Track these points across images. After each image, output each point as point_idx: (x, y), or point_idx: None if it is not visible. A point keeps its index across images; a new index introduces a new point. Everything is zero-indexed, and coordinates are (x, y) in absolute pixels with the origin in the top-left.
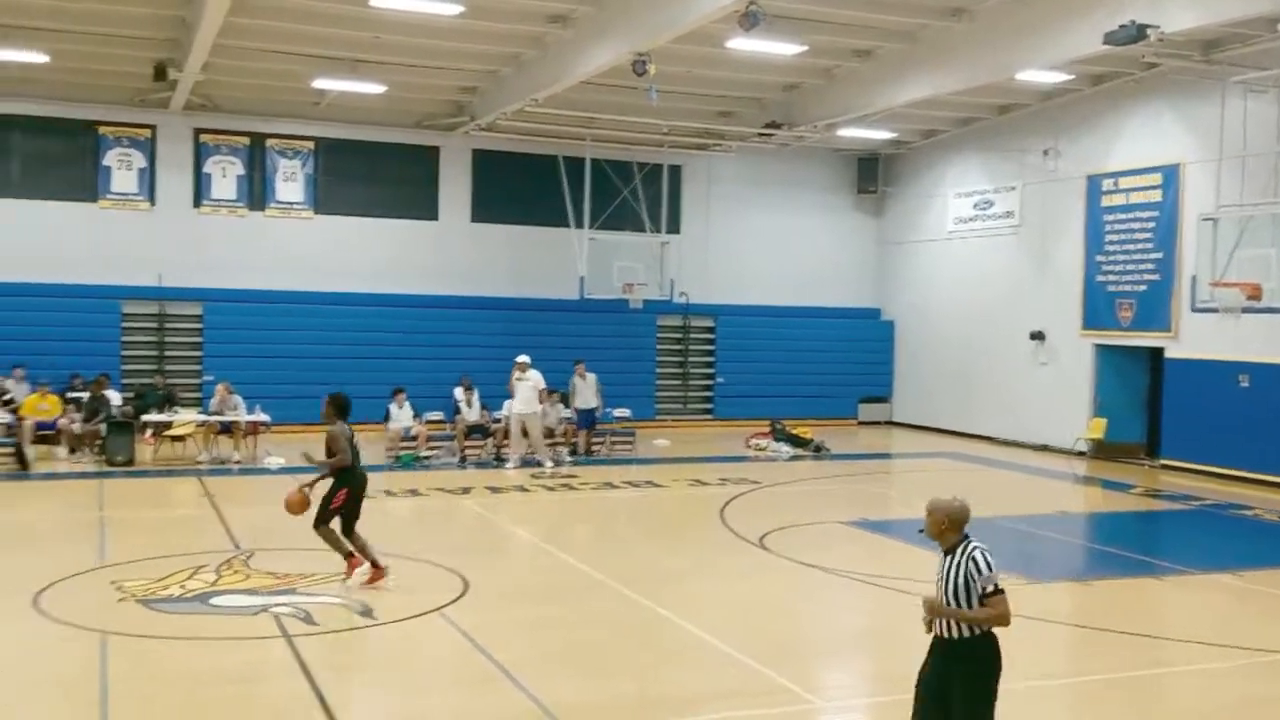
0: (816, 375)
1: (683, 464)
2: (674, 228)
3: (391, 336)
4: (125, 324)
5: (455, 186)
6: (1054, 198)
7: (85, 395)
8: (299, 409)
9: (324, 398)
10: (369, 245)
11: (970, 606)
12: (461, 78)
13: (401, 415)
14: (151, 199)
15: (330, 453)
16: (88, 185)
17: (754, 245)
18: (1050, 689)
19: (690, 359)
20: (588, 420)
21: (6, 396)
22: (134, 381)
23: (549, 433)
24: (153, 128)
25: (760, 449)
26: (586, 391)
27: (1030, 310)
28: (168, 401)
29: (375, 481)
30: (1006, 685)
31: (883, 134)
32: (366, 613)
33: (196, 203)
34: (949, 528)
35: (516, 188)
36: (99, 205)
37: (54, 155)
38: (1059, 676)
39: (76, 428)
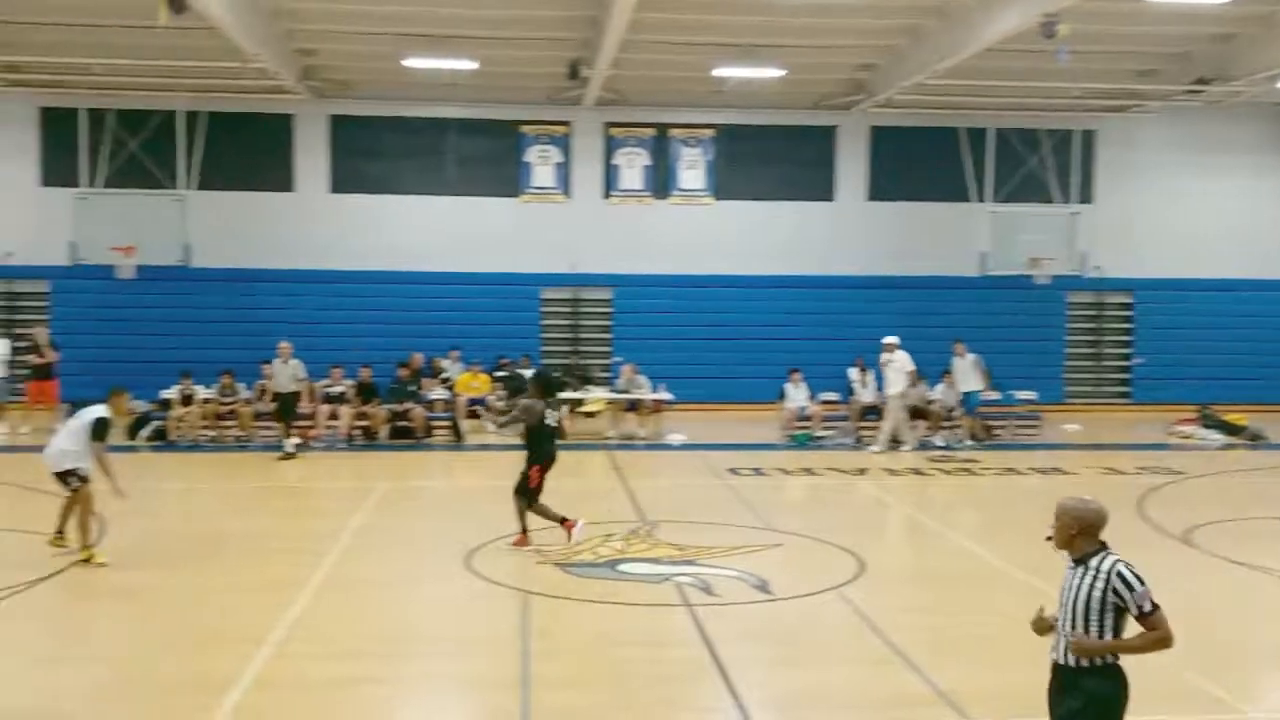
0: (1254, 355)
1: (1095, 450)
2: (1086, 197)
3: (788, 317)
4: (544, 309)
5: (852, 165)
6: None
7: (509, 374)
8: (700, 388)
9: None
10: (766, 228)
11: (1102, 629)
12: (859, 55)
13: (797, 395)
14: (566, 191)
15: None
16: (510, 181)
17: (1179, 213)
18: None
19: (1104, 338)
20: (971, 403)
21: (444, 375)
22: (552, 362)
23: (947, 415)
24: (568, 124)
25: (1185, 436)
26: (966, 373)
27: None
28: (582, 381)
29: (772, 459)
30: None
31: None
32: (764, 587)
33: (606, 193)
34: (1079, 534)
35: (914, 163)
36: (520, 199)
37: (481, 154)
38: None
39: (502, 404)
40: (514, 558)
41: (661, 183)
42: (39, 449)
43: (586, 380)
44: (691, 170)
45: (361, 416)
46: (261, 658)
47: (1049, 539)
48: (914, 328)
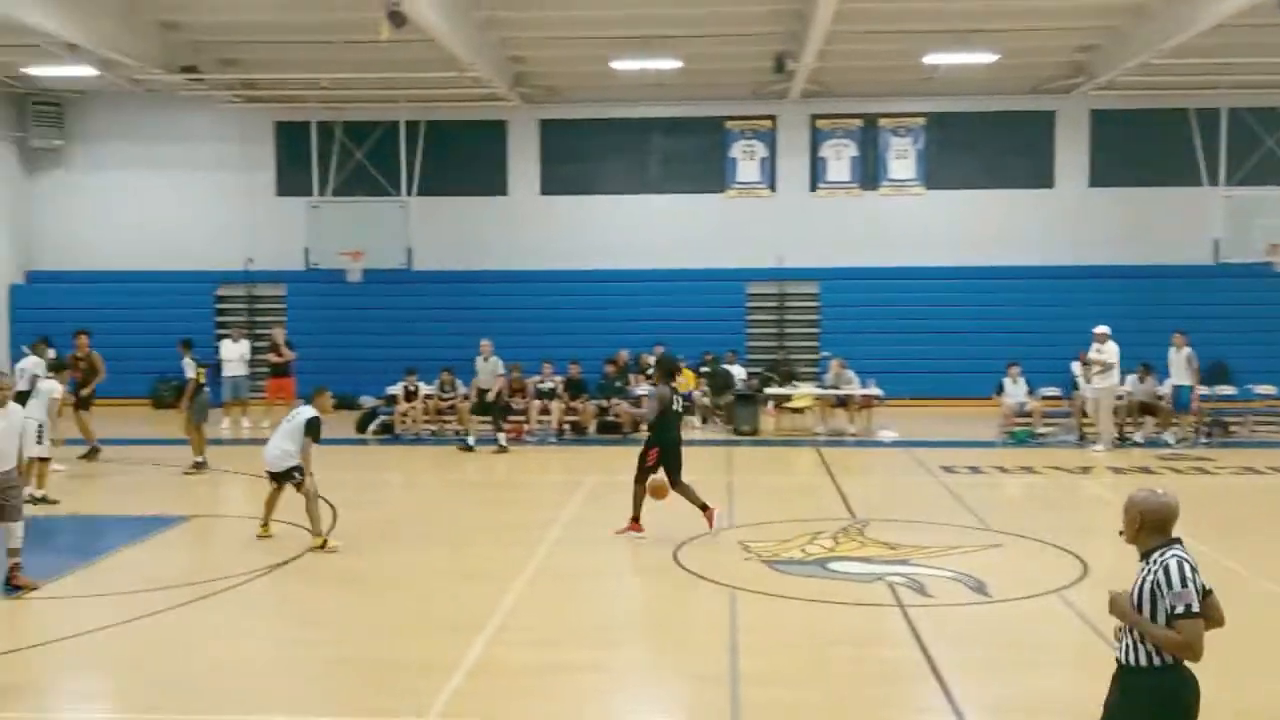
0: None
1: None
2: None
3: (1005, 310)
4: (749, 304)
5: (1071, 151)
6: None
7: (714, 370)
8: (912, 383)
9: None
10: (980, 218)
11: (1154, 620)
12: (1079, 36)
13: (1016, 390)
14: (772, 186)
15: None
16: (716, 177)
17: None
18: None
19: None
20: (1182, 399)
21: (649, 371)
22: (757, 357)
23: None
24: (773, 118)
25: None
26: (1179, 367)
27: None
28: (788, 376)
29: (990, 457)
30: None
31: None
32: (981, 589)
33: (812, 187)
34: (1143, 528)
35: (1139, 147)
36: (725, 195)
37: (686, 152)
38: None
39: (707, 400)
40: (721, 553)
41: (870, 174)
42: None
43: (792, 376)
44: (901, 160)
45: (571, 412)
46: (479, 643)
47: (1121, 533)
48: (1142, 319)
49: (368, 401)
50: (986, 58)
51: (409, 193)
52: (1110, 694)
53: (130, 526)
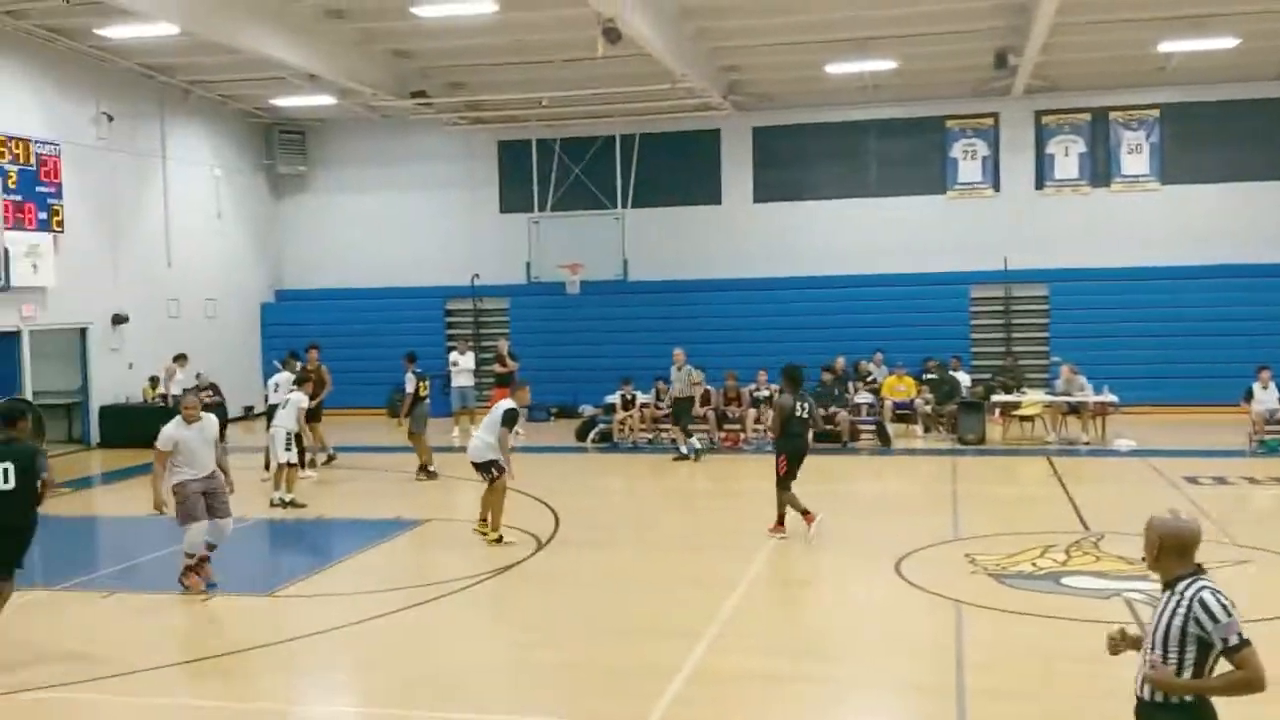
0: None
1: None
2: None
3: (1252, 310)
4: (973, 308)
5: None
6: None
7: (936, 377)
8: (1150, 389)
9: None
10: (1222, 213)
11: (1181, 665)
12: None
13: (1266, 396)
14: (995, 185)
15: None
16: (935, 178)
17: None
18: None
19: None
20: None
21: (870, 378)
22: (982, 363)
23: None
24: (995, 115)
25: None
26: None
27: None
28: (1016, 383)
29: (1237, 467)
30: None
31: None
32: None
33: (1038, 185)
34: (1164, 553)
35: None
36: (946, 196)
37: (903, 153)
38: None
39: (929, 408)
40: (945, 565)
41: (1100, 170)
42: None
43: (1020, 382)
44: (1134, 155)
45: None
46: (699, 650)
47: (1143, 559)
48: None
49: (587, 410)
50: (1226, 43)
51: (624, 205)
52: None
53: (369, 530)
